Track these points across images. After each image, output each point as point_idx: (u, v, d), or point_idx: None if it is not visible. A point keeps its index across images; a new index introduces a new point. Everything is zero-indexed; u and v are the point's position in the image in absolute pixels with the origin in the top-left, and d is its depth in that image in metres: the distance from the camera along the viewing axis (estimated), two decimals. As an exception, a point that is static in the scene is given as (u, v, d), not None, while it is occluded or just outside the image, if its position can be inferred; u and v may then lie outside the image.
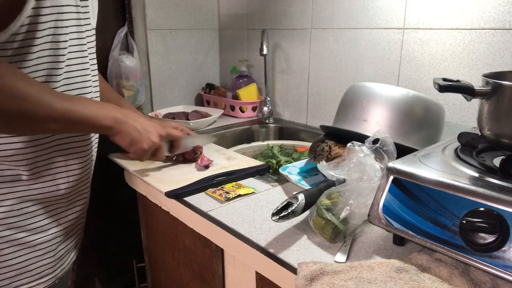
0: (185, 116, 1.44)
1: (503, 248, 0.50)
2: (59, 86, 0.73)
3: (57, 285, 0.82)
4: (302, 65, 1.41)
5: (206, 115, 1.43)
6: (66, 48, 0.72)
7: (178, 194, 0.86)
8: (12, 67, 0.65)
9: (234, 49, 1.68)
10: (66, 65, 0.73)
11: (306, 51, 1.38)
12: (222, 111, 1.49)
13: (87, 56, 0.78)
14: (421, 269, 0.57)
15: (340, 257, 0.62)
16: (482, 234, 0.51)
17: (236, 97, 1.56)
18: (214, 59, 1.74)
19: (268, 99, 1.48)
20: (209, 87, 1.67)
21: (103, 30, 1.40)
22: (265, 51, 1.36)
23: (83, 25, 0.76)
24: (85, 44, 0.77)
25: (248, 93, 1.55)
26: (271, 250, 0.65)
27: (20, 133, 0.71)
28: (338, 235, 0.66)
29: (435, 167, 0.62)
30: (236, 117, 1.55)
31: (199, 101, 1.71)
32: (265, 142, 1.35)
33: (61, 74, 0.73)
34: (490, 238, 0.51)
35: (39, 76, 0.69)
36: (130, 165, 1.03)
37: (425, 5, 1.04)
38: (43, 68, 0.69)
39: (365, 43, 1.20)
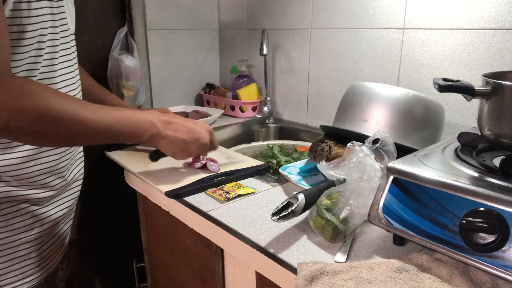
0: (185, 116, 1.43)
1: (503, 248, 0.50)
2: None
3: (42, 285, 0.82)
4: (302, 65, 1.41)
5: (206, 115, 1.43)
6: (42, 56, 0.71)
7: (178, 194, 0.86)
8: (43, 85, 0.66)
9: (234, 49, 1.68)
10: (40, 73, 0.72)
11: (306, 51, 1.38)
12: (222, 111, 1.49)
13: (56, 65, 0.76)
14: (421, 269, 0.57)
15: (340, 257, 0.62)
16: (482, 234, 0.51)
17: (236, 97, 1.56)
18: (214, 59, 1.74)
19: (268, 99, 1.48)
20: (209, 87, 1.67)
21: (103, 30, 1.40)
22: (265, 51, 1.36)
23: (58, 32, 0.75)
24: (58, 52, 0.76)
25: (248, 93, 1.55)
26: (271, 250, 0.65)
27: (52, 146, 0.74)
28: (338, 235, 0.66)
29: (435, 167, 0.62)
30: (236, 117, 1.55)
31: (199, 101, 1.71)
32: (265, 142, 1.35)
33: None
34: (490, 238, 0.51)
35: None
36: (130, 165, 1.03)
37: (425, 5, 1.04)
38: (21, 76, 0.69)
39: (365, 43, 1.20)
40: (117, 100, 1.12)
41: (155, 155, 0.99)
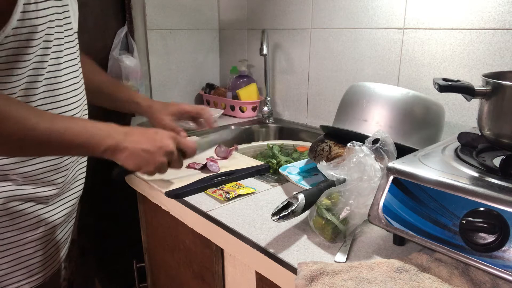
0: (185, 116, 1.43)
1: (503, 248, 0.50)
2: (38, 93, 0.72)
3: (47, 283, 0.82)
4: (302, 65, 1.41)
5: (206, 115, 1.43)
6: (49, 55, 0.72)
7: (178, 194, 0.86)
8: None
9: (234, 49, 1.68)
10: (47, 72, 0.72)
11: (306, 51, 1.38)
12: (222, 111, 1.49)
13: (61, 64, 0.76)
14: (421, 269, 0.57)
15: (340, 257, 0.62)
16: (482, 234, 0.51)
17: (236, 97, 1.56)
18: (214, 59, 1.74)
19: (268, 99, 1.48)
20: (209, 87, 1.67)
21: (103, 30, 1.40)
22: (265, 51, 1.36)
23: (63, 32, 0.75)
24: (63, 51, 0.76)
25: (248, 93, 1.55)
26: (271, 250, 0.65)
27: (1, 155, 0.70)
28: (338, 235, 0.66)
29: (435, 167, 0.62)
30: (236, 117, 1.55)
31: (199, 101, 1.71)
32: (265, 142, 1.35)
33: (41, 81, 0.72)
34: (490, 238, 0.51)
35: (21, 85, 0.69)
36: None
37: (425, 5, 1.04)
38: (28, 75, 0.69)
39: (365, 43, 1.20)
40: (131, 94, 1.06)
41: (119, 173, 0.86)
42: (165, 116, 1.01)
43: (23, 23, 0.64)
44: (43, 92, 0.73)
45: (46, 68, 0.72)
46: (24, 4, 0.63)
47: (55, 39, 0.72)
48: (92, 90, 0.95)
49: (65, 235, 0.88)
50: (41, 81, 0.72)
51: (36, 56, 0.69)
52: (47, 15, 0.68)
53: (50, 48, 0.72)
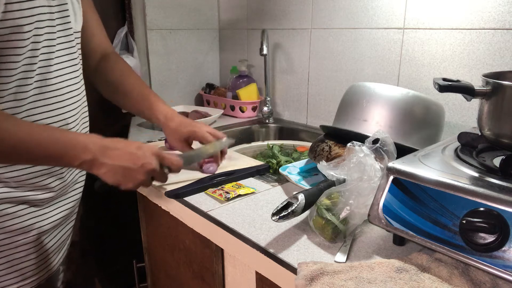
0: (185, 116, 1.43)
1: (503, 248, 0.50)
2: (28, 97, 0.71)
3: (42, 286, 0.82)
4: (302, 65, 1.41)
5: (206, 115, 1.43)
6: (38, 56, 0.71)
7: (178, 194, 0.86)
8: None
9: (234, 49, 1.68)
10: (37, 74, 0.72)
11: (306, 51, 1.38)
12: (222, 111, 1.49)
13: (52, 66, 0.74)
14: (421, 269, 0.57)
15: (340, 257, 0.62)
16: (482, 234, 0.51)
17: (236, 97, 1.56)
18: (214, 59, 1.74)
19: (268, 99, 1.48)
20: (209, 87, 1.67)
21: (103, 30, 1.40)
22: (265, 51, 1.36)
23: (55, 32, 0.74)
24: (54, 52, 0.75)
25: (248, 93, 1.55)
26: (271, 250, 0.65)
27: None
28: (338, 235, 0.66)
29: (435, 167, 0.62)
30: (236, 117, 1.55)
31: (199, 101, 1.71)
32: (265, 142, 1.35)
33: (32, 84, 0.71)
34: (490, 238, 0.51)
35: (11, 88, 0.68)
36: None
37: (425, 5, 1.04)
38: (18, 78, 0.68)
39: (365, 43, 1.20)
40: (153, 106, 0.95)
41: (101, 186, 0.78)
42: (177, 142, 0.94)
43: (5, 24, 0.63)
44: (33, 95, 0.72)
45: (35, 70, 0.71)
46: (5, 3, 0.62)
47: (44, 40, 0.71)
48: (122, 93, 0.93)
49: (62, 237, 0.87)
50: (31, 84, 0.71)
51: (25, 58, 0.68)
52: (34, 15, 0.67)
53: (39, 49, 0.71)
